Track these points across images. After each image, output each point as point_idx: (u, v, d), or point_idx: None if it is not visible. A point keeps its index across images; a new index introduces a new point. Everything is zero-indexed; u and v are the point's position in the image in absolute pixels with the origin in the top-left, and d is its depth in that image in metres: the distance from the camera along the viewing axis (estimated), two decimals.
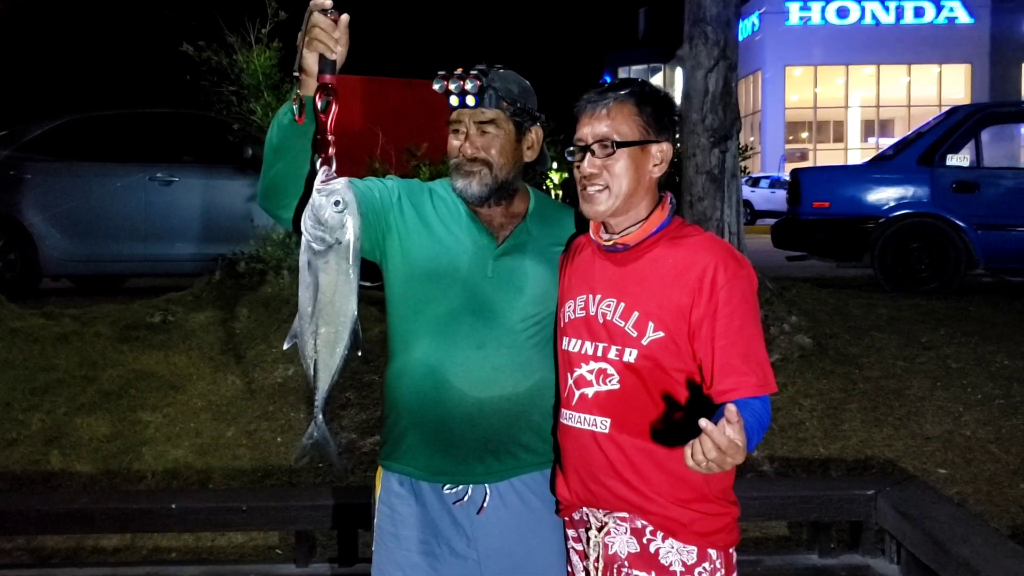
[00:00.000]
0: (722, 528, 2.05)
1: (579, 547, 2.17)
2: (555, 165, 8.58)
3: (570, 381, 2.11)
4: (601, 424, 2.05)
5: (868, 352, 5.71)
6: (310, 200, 1.94)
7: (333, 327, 1.96)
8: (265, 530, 4.25)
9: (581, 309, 2.11)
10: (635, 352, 2.02)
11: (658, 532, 2.03)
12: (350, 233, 1.94)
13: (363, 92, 9.26)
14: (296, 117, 1.97)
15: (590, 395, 2.07)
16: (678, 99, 5.90)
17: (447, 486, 2.19)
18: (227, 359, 5.87)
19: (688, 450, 1.75)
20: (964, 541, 3.03)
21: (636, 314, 2.03)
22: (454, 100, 2.18)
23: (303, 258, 1.96)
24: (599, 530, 2.10)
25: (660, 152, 2.10)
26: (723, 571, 2.05)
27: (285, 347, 2.00)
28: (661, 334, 2.01)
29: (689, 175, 6.16)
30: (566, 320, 2.15)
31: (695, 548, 2.03)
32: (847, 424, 4.99)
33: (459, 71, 2.17)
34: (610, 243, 2.10)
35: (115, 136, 9.21)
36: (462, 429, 2.15)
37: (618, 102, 2.07)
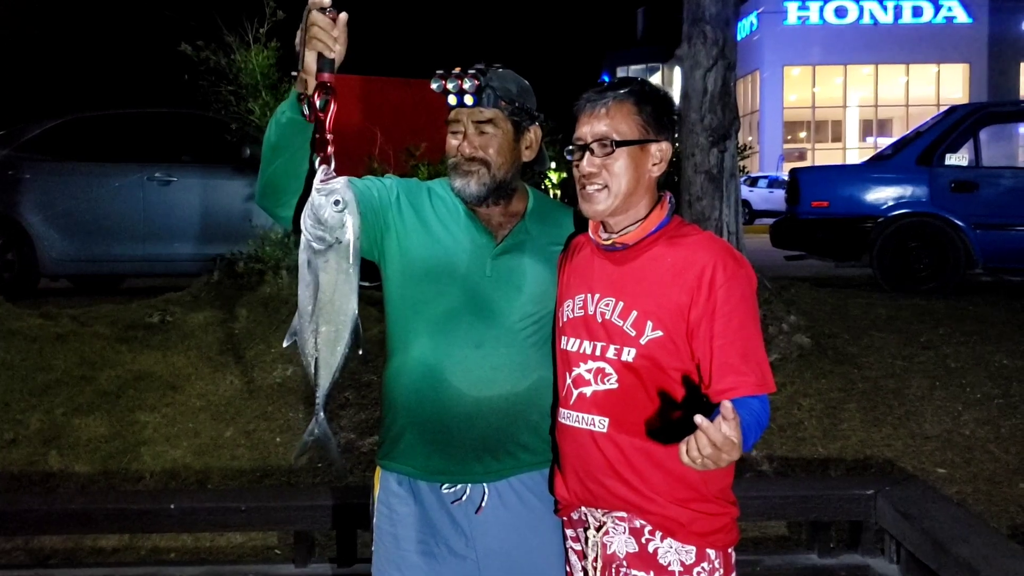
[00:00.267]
0: (721, 528, 2.05)
1: (577, 547, 2.17)
2: (554, 165, 8.58)
3: (568, 380, 2.11)
4: (599, 423, 2.05)
5: (867, 352, 5.71)
6: (309, 199, 1.94)
7: (334, 326, 1.96)
8: (264, 530, 4.24)
9: (580, 308, 2.11)
10: (633, 351, 2.02)
11: (656, 532, 2.03)
12: (350, 232, 1.94)
13: (362, 91, 9.25)
14: (295, 115, 1.96)
15: (588, 394, 2.06)
16: (677, 99, 5.89)
17: (445, 485, 2.19)
18: (226, 359, 5.87)
19: (683, 446, 1.75)
20: (963, 541, 3.03)
21: (635, 313, 2.02)
22: (452, 99, 2.18)
23: (303, 257, 1.96)
24: (597, 530, 2.09)
25: (659, 151, 2.10)
26: (722, 571, 2.04)
27: (285, 344, 2.00)
28: (659, 333, 2.00)
29: (688, 175, 6.16)
30: (564, 319, 2.14)
31: (694, 548, 2.03)
32: (846, 424, 4.99)
33: (457, 70, 2.16)
34: (609, 242, 2.09)
35: (113, 136, 9.20)
36: (460, 428, 2.15)
37: (617, 101, 2.07)
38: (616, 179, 2.06)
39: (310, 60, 1.93)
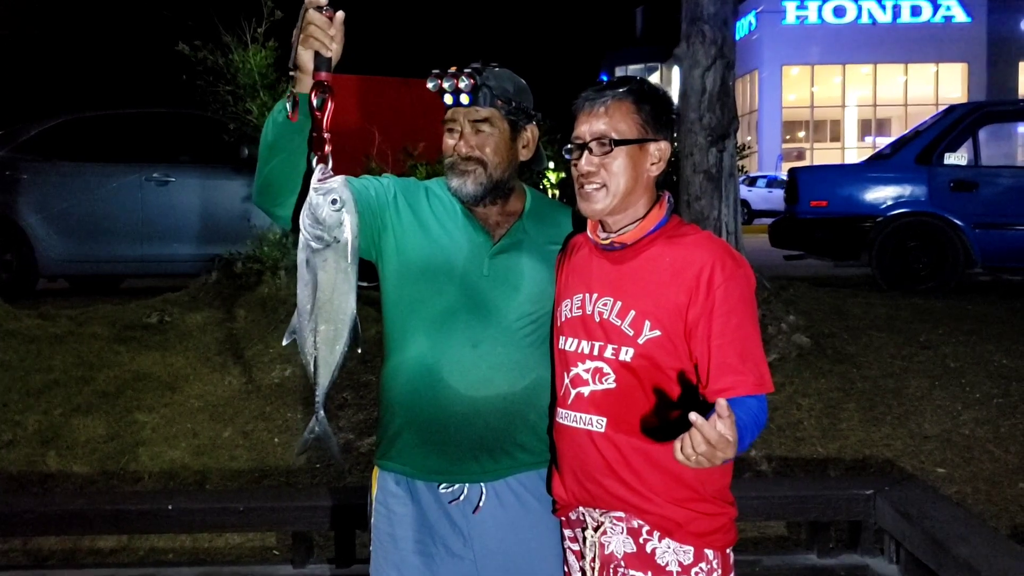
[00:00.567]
0: (719, 528, 2.04)
1: (575, 547, 2.17)
2: (552, 164, 8.57)
3: (566, 380, 2.10)
4: (597, 423, 2.04)
5: (866, 351, 5.71)
6: (307, 199, 1.94)
7: (332, 325, 1.96)
8: (262, 531, 4.23)
9: (578, 308, 2.10)
10: (631, 351, 2.01)
11: (654, 532, 2.03)
12: (348, 231, 1.94)
13: (360, 91, 9.24)
14: (291, 114, 1.96)
15: (586, 394, 2.06)
16: (675, 98, 5.89)
17: (443, 485, 2.18)
18: (224, 359, 5.87)
19: (678, 444, 1.75)
20: (963, 540, 3.02)
21: (633, 313, 2.02)
22: (448, 99, 2.17)
23: (301, 256, 1.96)
24: (595, 530, 2.09)
25: (658, 151, 2.09)
26: (720, 571, 2.04)
27: (284, 343, 1.99)
28: (658, 333, 2.00)
29: (686, 174, 6.15)
30: (563, 319, 2.14)
31: (692, 548, 2.02)
32: (845, 423, 4.99)
33: (453, 69, 2.16)
34: (607, 242, 2.09)
35: (111, 136, 9.20)
36: (458, 428, 2.14)
37: (616, 100, 2.07)
38: (614, 178, 2.05)
39: (307, 59, 1.93)
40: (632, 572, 2.03)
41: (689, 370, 2.01)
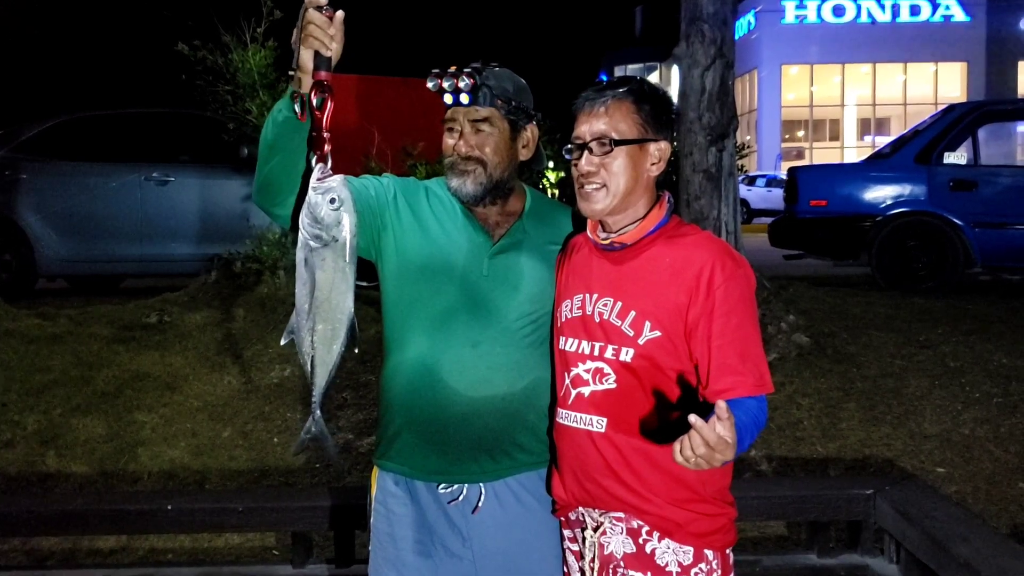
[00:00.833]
0: (719, 529, 2.04)
1: (575, 547, 2.16)
2: (552, 164, 8.56)
3: (567, 380, 2.10)
4: (597, 423, 2.04)
5: (866, 351, 5.71)
6: (306, 198, 1.93)
7: (330, 324, 1.96)
8: (262, 531, 4.23)
9: (578, 308, 2.10)
10: (632, 351, 2.01)
11: (654, 532, 2.02)
12: (346, 231, 1.94)
13: (359, 90, 9.24)
14: (291, 114, 1.96)
15: (586, 394, 2.06)
16: (675, 98, 5.89)
17: (442, 485, 2.18)
18: (223, 359, 5.86)
19: (677, 445, 1.75)
20: (963, 540, 3.02)
21: (633, 313, 2.02)
22: (448, 98, 2.17)
23: (300, 255, 1.96)
24: (595, 530, 2.09)
25: (658, 151, 2.09)
26: (719, 572, 2.04)
27: (282, 343, 1.99)
28: (658, 333, 2.00)
29: (686, 174, 6.15)
30: (563, 319, 2.14)
31: (691, 548, 2.02)
32: (845, 423, 4.99)
33: (453, 69, 2.16)
34: (607, 242, 2.09)
35: (111, 136, 9.20)
36: (456, 428, 2.14)
37: (616, 100, 2.06)
38: (614, 178, 2.05)
39: (306, 58, 1.92)
40: (631, 572, 2.03)
41: (689, 371, 2.01)
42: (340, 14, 1.91)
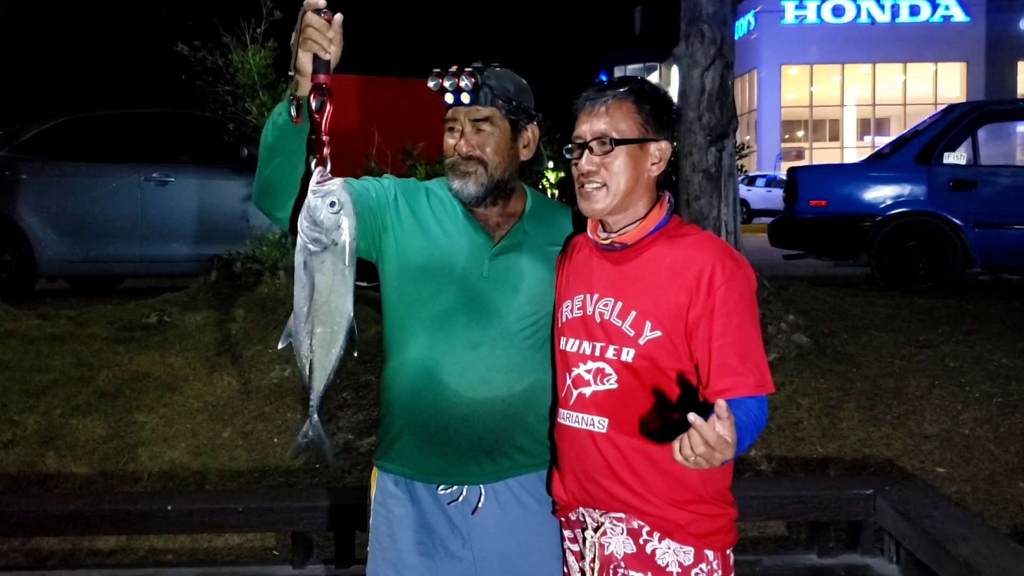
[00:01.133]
0: (719, 529, 2.04)
1: (575, 548, 2.16)
2: (552, 164, 8.56)
3: (568, 381, 2.10)
4: (598, 424, 2.04)
5: (866, 351, 5.71)
6: (305, 201, 1.93)
7: (329, 327, 1.95)
8: (261, 531, 4.23)
9: (578, 309, 2.10)
10: (632, 352, 2.01)
11: (655, 533, 2.02)
12: (346, 234, 1.93)
13: (359, 91, 9.23)
14: (290, 117, 1.95)
15: (588, 395, 2.06)
16: (675, 98, 5.88)
17: (442, 487, 2.18)
18: (223, 360, 5.86)
19: (676, 444, 1.75)
20: (963, 540, 3.02)
21: (633, 313, 2.02)
22: (449, 98, 2.17)
23: (299, 258, 1.95)
24: (595, 530, 2.09)
25: (658, 151, 2.09)
26: (720, 572, 2.04)
27: (280, 346, 1.99)
28: (658, 333, 2.00)
29: (686, 174, 6.15)
30: (564, 320, 2.14)
31: (692, 549, 2.02)
32: (845, 423, 4.99)
33: (454, 68, 2.16)
34: (608, 242, 2.09)
35: (111, 136, 9.20)
36: (456, 430, 2.14)
37: (617, 100, 2.06)
38: (615, 178, 2.05)
39: (305, 61, 1.92)
40: (632, 573, 2.03)
41: (690, 371, 2.01)
42: (339, 17, 1.91)
